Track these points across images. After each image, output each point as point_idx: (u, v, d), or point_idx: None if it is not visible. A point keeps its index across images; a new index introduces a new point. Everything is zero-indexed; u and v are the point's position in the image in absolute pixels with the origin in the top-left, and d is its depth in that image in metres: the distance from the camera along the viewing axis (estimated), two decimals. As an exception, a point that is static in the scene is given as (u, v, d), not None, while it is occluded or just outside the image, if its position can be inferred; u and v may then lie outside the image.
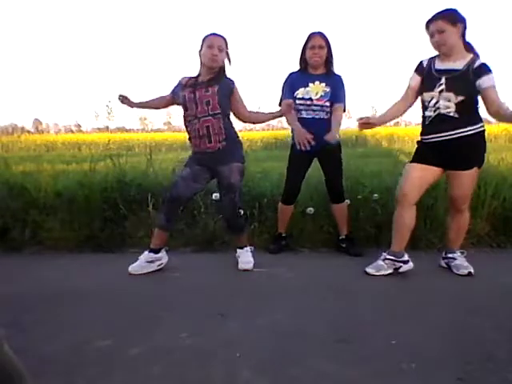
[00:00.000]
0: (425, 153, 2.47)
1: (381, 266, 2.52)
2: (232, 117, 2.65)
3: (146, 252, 2.64)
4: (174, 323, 1.95)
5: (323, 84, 2.81)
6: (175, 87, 2.65)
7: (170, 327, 1.91)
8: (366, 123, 2.50)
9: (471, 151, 2.41)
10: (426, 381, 1.49)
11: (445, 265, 2.66)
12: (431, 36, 2.37)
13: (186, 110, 2.54)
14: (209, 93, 2.48)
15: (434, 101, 2.38)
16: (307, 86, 2.82)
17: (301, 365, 1.59)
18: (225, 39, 2.53)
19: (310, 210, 3.12)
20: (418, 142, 2.58)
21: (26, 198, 3.34)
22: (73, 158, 8.67)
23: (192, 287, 2.42)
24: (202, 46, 2.52)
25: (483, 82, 2.26)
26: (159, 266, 2.65)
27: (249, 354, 1.67)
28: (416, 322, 1.94)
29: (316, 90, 2.81)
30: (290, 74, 2.92)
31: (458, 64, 2.35)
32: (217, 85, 2.50)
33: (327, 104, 2.80)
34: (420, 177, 2.45)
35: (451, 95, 2.33)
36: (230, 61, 2.57)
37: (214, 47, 2.46)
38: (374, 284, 2.42)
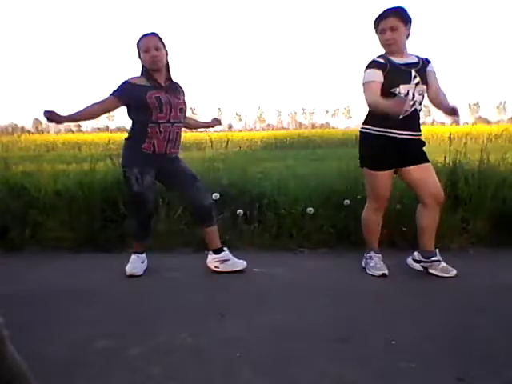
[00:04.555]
0: (387, 156, 2.40)
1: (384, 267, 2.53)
2: None
3: (134, 256, 2.65)
4: (174, 323, 1.95)
5: None
6: (123, 88, 2.44)
7: (170, 327, 1.91)
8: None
9: (423, 147, 2.50)
10: (426, 381, 1.49)
11: (421, 268, 2.55)
12: (381, 32, 2.35)
13: (159, 111, 2.40)
14: (181, 100, 2.51)
15: (410, 93, 2.35)
16: None
17: (301, 365, 1.59)
18: (158, 36, 2.44)
19: (310, 210, 3.12)
20: (376, 136, 2.39)
21: (26, 198, 3.34)
22: (73, 158, 8.64)
23: (192, 287, 2.42)
24: (138, 51, 2.45)
25: (429, 68, 2.42)
26: (145, 264, 2.69)
27: (249, 353, 1.67)
28: (416, 321, 1.94)
29: None
30: None
31: (412, 59, 2.40)
32: (181, 92, 2.56)
33: None
34: (391, 181, 2.48)
35: (424, 88, 2.38)
36: (167, 54, 2.49)
37: (151, 49, 2.39)
38: (374, 284, 2.42)
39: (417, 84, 2.35)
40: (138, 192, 2.48)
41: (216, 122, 2.92)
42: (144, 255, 2.69)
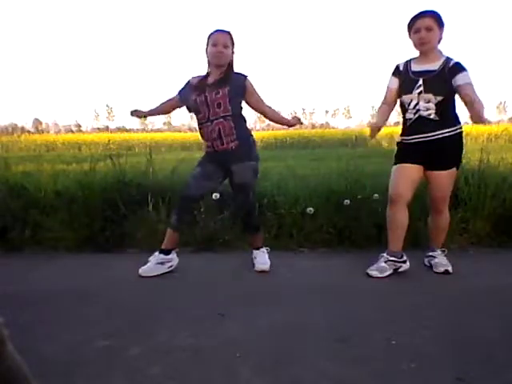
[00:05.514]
0: (408, 152, 2.50)
1: (383, 268, 2.52)
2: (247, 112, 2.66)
3: (157, 253, 2.63)
4: (174, 323, 1.95)
5: None
6: (183, 89, 2.62)
7: (170, 327, 1.91)
8: (376, 129, 2.53)
9: (449, 152, 2.45)
10: (426, 381, 1.49)
11: (427, 263, 2.67)
12: (416, 32, 2.38)
13: (198, 113, 2.52)
14: (219, 95, 2.43)
15: (413, 103, 2.41)
16: None
17: (301, 365, 1.59)
18: (230, 35, 2.49)
19: (310, 210, 3.12)
20: (398, 143, 2.60)
21: (26, 198, 3.34)
22: (73, 158, 8.65)
23: (192, 287, 2.42)
24: (207, 44, 2.49)
25: (458, 79, 2.30)
26: (169, 267, 2.63)
27: (249, 353, 1.67)
28: (416, 321, 1.94)
29: None
30: None
31: (434, 65, 2.39)
32: (227, 85, 2.45)
33: None
34: (410, 176, 2.49)
35: (431, 96, 2.36)
36: (233, 54, 2.51)
37: (219, 44, 2.43)
38: (374, 284, 2.42)
39: (419, 93, 2.37)
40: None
41: (297, 120, 2.70)
42: (169, 256, 2.63)
